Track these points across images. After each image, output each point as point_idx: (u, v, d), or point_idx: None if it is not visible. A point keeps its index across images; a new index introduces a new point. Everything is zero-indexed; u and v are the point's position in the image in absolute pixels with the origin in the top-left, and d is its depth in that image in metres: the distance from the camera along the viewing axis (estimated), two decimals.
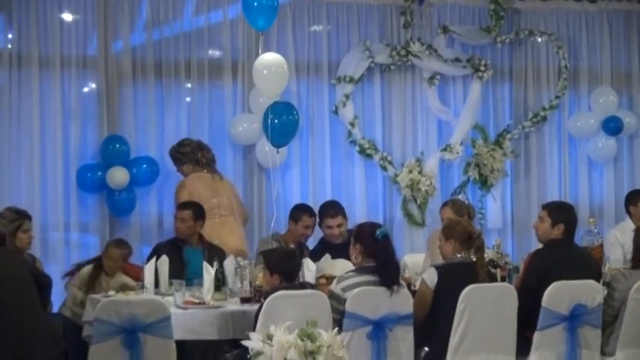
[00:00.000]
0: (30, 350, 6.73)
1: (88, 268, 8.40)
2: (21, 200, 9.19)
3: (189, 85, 10.35)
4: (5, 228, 7.47)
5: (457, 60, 10.88)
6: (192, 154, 9.41)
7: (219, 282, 7.89)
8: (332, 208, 9.25)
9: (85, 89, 10.08)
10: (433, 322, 7.16)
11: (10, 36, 9.72)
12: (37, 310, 7.16)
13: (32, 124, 9.68)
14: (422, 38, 10.73)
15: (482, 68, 10.82)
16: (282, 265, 7.01)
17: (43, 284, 7.40)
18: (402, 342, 6.97)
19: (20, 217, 8.01)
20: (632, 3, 11.51)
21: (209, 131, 10.30)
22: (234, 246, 8.89)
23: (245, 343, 5.29)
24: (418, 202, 10.71)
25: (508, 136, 11.08)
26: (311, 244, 9.44)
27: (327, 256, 8.66)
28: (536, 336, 7.12)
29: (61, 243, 9.67)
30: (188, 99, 10.39)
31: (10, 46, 9.70)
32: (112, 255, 8.35)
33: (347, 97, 10.54)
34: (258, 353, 5.00)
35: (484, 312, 6.92)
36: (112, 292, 7.66)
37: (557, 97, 11.27)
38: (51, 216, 9.74)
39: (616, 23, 11.67)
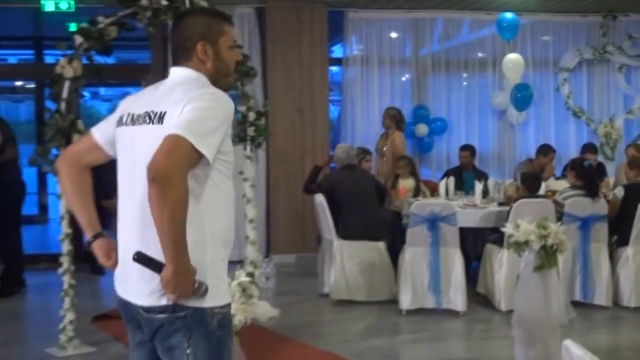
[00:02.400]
0: (371, 227, 7.23)
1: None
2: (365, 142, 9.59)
3: (465, 75, 10.26)
4: (356, 159, 7.76)
5: (638, 56, 10.29)
6: (400, 119, 9.14)
7: (485, 192, 7.92)
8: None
9: (403, 78, 10.18)
10: (621, 220, 7.05)
11: (360, 47, 9.93)
12: (376, 205, 7.55)
13: (374, 99, 9.93)
14: (614, 42, 10.22)
15: None
16: (529, 182, 7.04)
17: (380, 191, 7.76)
18: (600, 232, 6.92)
19: (364, 152, 8.27)
20: None
21: (478, 103, 10.23)
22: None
23: (502, 229, 5.45)
24: (610, 146, 10.23)
25: None
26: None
27: (552, 178, 8.57)
28: None
29: None
30: (465, 83, 10.29)
31: (360, 53, 9.91)
32: (398, 165, 8.48)
33: (565, 80, 10.22)
34: (511, 235, 5.13)
35: None
36: (420, 197, 7.87)
37: None
38: None
39: None
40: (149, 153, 2.23)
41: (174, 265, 2.24)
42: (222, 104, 2.42)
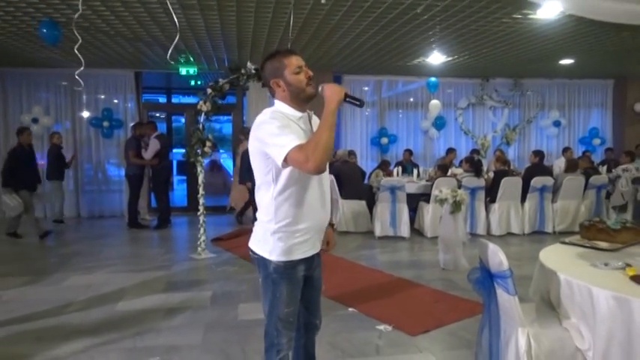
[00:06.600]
0: (358, 192, 7.26)
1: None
2: (352, 147, 9.41)
3: (407, 111, 9.98)
4: (347, 157, 7.66)
5: (499, 101, 10.13)
6: None
7: (418, 175, 7.83)
8: None
9: (371, 111, 9.93)
10: (491, 189, 6.99)
11: None
12: (361, 182, 7.51)
13: (357, 123, 9.82)
14: (487, 93, 10.13)
15: None
16: (442, 169, 7.00)
17: (362, 174, 7.66)
18: (481, 196, 6.85)
19: (351, 153, 7.96)
20: None
21: (413, 126, 10.01)
22: None
23: (432, 193, 5.61)
24: (484, 150, 9.97)
25: None
26: None
27: (454, 167, 8.25)
28: None
29: None
30: (405, 115, 10.04)
31: None
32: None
33: (460, 114, 10.06)
34: (437, 196, 5.24)
35: None
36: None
37: None
38: None
39: None
40: None
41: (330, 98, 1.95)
42: None
